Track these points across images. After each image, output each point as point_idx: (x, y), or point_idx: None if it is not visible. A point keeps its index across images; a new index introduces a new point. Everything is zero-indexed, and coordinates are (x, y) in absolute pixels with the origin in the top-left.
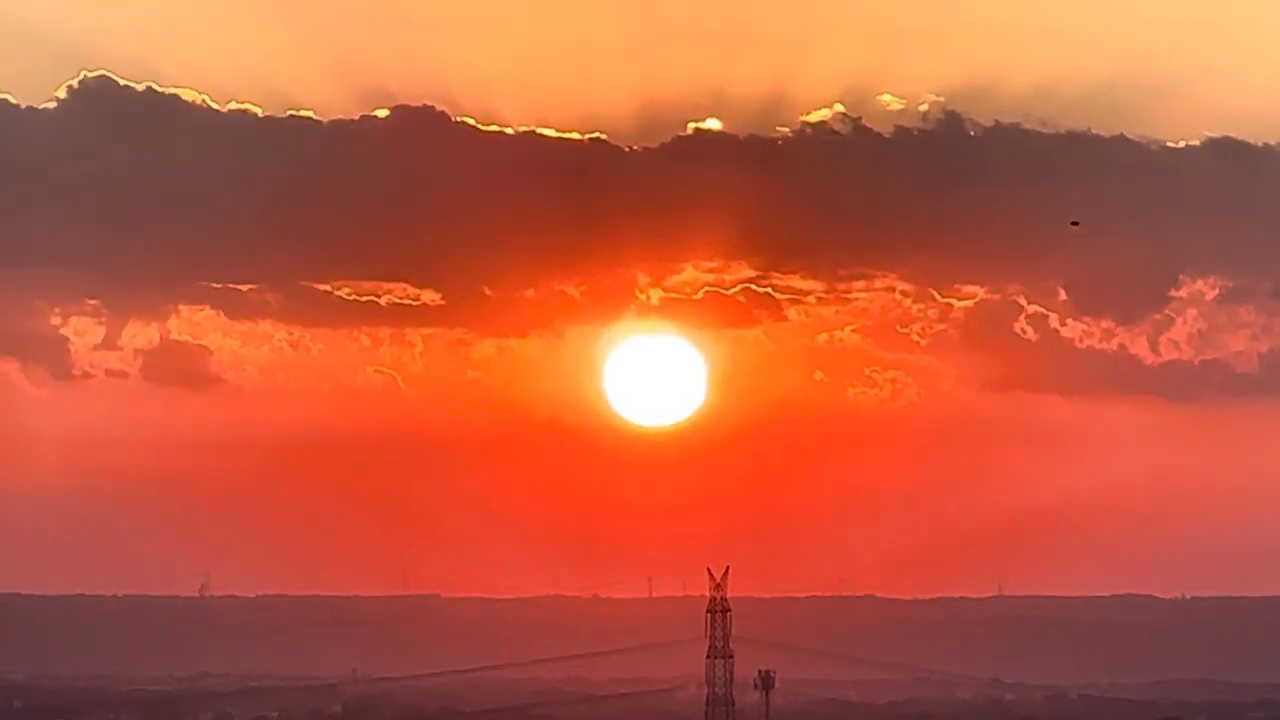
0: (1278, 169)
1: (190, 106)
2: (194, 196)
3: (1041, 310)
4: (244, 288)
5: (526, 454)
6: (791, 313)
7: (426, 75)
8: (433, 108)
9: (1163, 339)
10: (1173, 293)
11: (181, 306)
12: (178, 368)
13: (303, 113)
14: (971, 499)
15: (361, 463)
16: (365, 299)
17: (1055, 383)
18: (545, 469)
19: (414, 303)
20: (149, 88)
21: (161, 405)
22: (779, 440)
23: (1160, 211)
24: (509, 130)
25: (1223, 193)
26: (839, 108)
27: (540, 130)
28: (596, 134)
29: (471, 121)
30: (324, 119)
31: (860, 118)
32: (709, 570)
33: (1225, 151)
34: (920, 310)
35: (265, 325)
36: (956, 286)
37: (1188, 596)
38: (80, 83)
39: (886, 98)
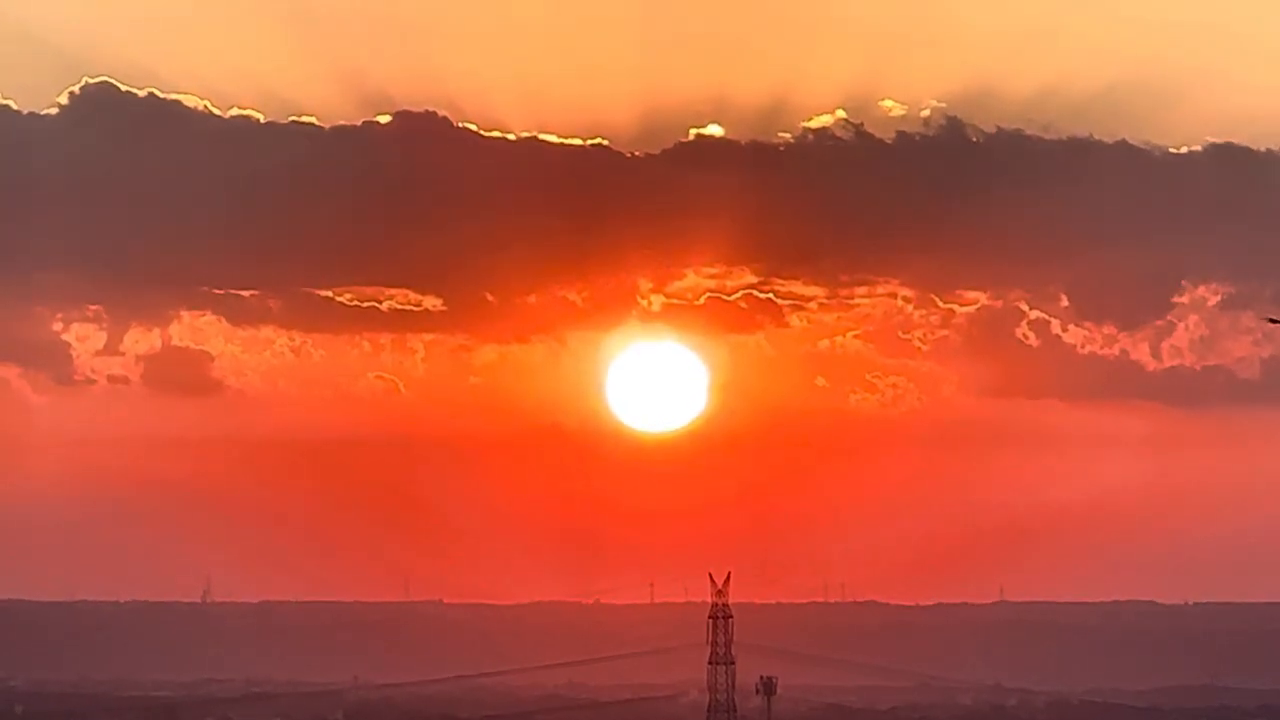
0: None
1: (192, 112)
2: (196, 202)
3: (1043, 316)
4: (245, 293)
5: (528, 460)
6: (793, 318)
7: (428, 81)
8: (435, 113)
9: (1164, 345)
10: (1174, 299)
11: (183, 312)
12: (179, 373)
13: (305, 118)
14: (973, 505)
15: (363, 468)
16: (367, 305)
17: (1057, 388)
18: (547, 475)
19: (416, 308)
20: (151, 94)
21: (163, 411)
22: (781, 446)
23: (1162, 217)
24: (511, 136)
25: (1225, 198)
26: (840, 114)
27: (542, 136)
28: (598, 140)
29: (473, 127)
30: (326, 125)
31: (862, 124)
32: (711, 576)
33: (1227, 157)
34: (922, 316)
35: (267, 331)
36: (958, 292)
37: (1189, 602)
38: (82, 89)
39: (888, 103)
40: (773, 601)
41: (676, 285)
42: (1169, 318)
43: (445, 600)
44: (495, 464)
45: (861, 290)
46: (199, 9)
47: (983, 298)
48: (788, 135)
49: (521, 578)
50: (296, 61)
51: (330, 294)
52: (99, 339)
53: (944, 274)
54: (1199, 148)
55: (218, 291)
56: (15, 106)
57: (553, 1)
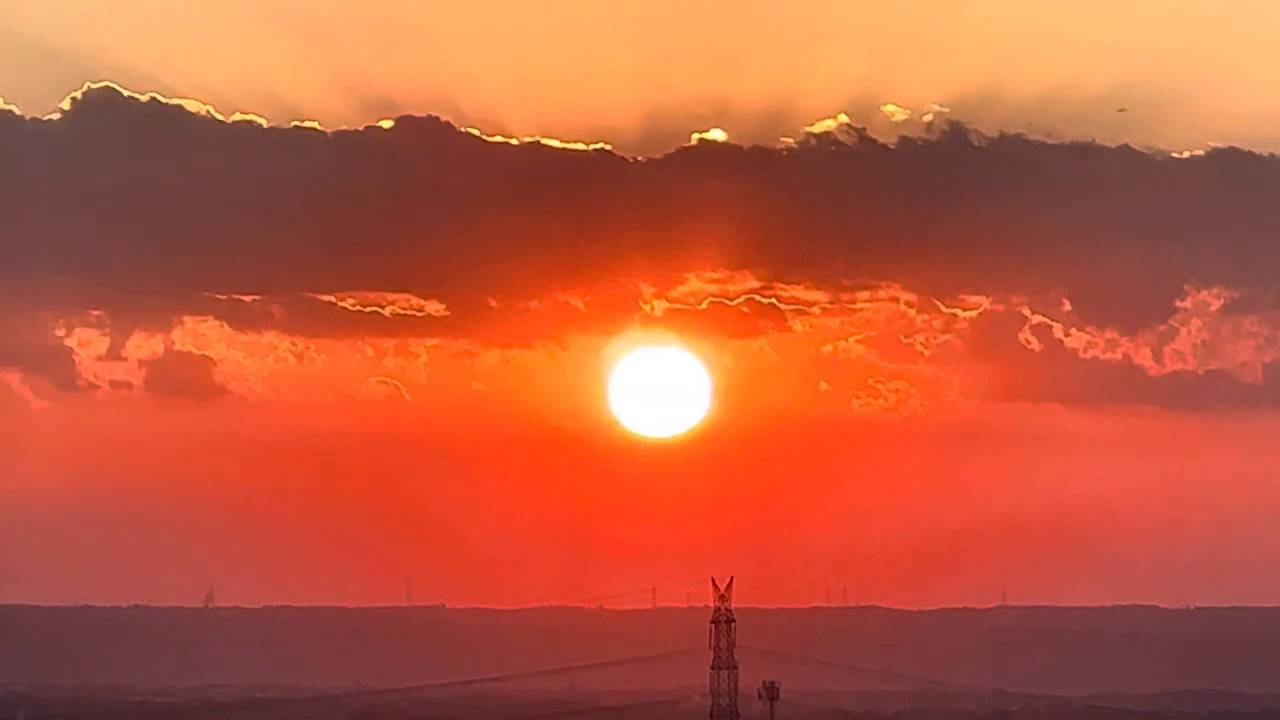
0: None
1: (194, 117)
2: (198, 207)
3: (1046, 321)
4: (248, 298)
5: (530, 465)
6: (796, 323)
7: (431, 86)
8: (437, 118)
9: (1167, 349)
10: (1177, 303)
11: (186, 317)
12: (182, 379)
13: (307, 123)
14: (975, 509)
15: (365, 474)
16: (369, 310)
17: (1059, 393)
18: (549, 480)
19: (418, 313)
20: (153, 99)
21: (166, 416)
22: (783, 451)
23: (1165, 222)
24: (513, 141)
25: (1228, 203)
26: (843, 118)
27: (545, 141)
28: (601, 145)
29: (476, 132)
30: (328, 130)
31: (864, 128)
32: (713, 581)
33: (1230, 162)
34: (924, 321)
35: (269, 336)
36: (961, 297)
37: (1191, 607)
38: (84, 94)
39: (890, 108)
40: (775, 606)
41: (679, 290)
42: (1171, 322)
43: (448, 605)
44: (497, 469)
45: (864, 295)
46: (201, 14)
47: (985, 302)
48: (790, 140)
49: (524, 583)
50: (299, 66)
51: (333, 299)
52: (101, 344)
53: (946, 278)
54: (1202, 152)
55: (220, 297)
56: (18, 111)
57: (555, 6)
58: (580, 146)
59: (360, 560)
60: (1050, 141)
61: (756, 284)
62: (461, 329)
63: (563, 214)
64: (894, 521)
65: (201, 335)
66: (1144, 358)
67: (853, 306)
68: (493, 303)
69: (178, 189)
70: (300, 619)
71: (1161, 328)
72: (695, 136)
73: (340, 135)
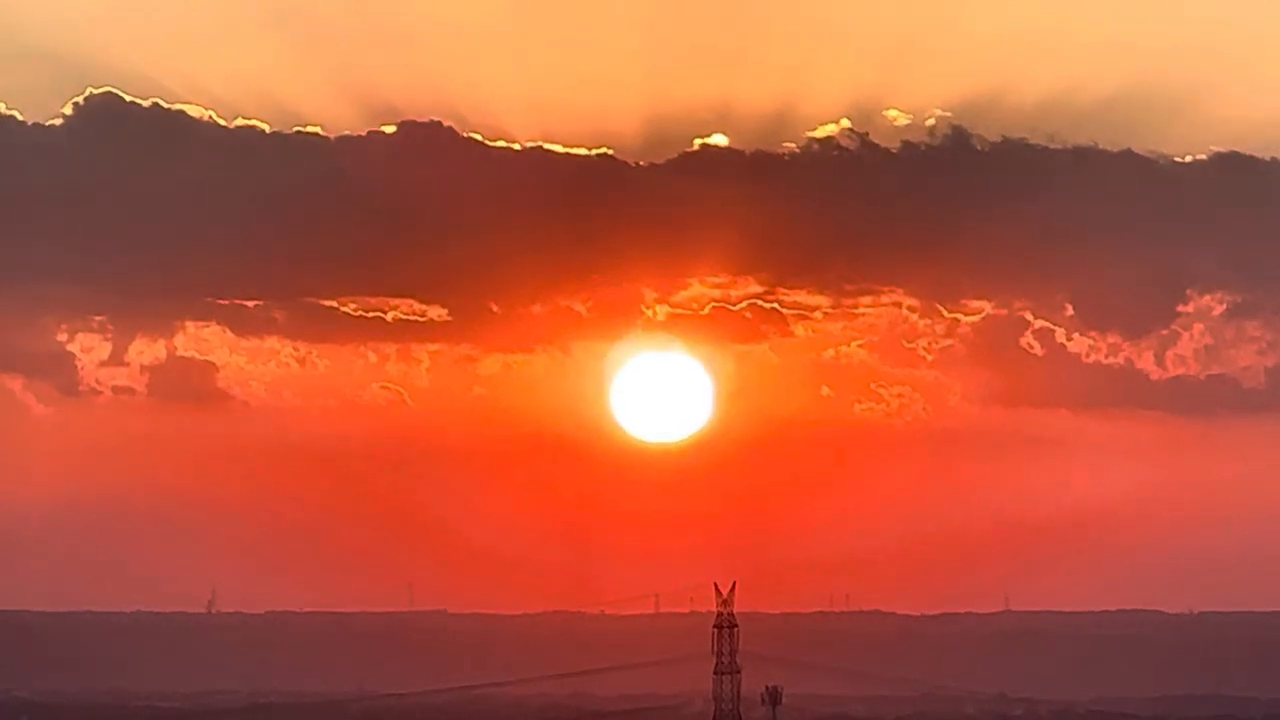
0: None
1: (197, 123)
2: (200, 213)
3: (1048, 325)
4: (250, 304)
5: (533, 470)
6: (798, 328)
7: (433, 91)
8: (440, 123)
9: (1169, 354)
10: (1180, 308)
11: (188, 323)
12: (184, 384)
13: (309, 128)
14: (978, 514)
15: (368, 479)
16: (371, 315)
17: (1062, 397)
18: (551, 485)
19: (420, 319)
20: (155, 104)
21: (168, 422)
22: (785, 456)
23: (1167, 226)
24: (516, 146)
25: (1230, 207)
26: (845, 123)
27: (547, 146)
28: (603, 149)
29: (478, 137)
30: (331, 135)
31: (867, 133)
32: (716, 586)
33: (1232, 166)
34: (927, 325)
35: (272, 341)
36: (963, 302)
37: (1194, 611)
38: (86, 99)
39: (893, 113)
40: (778, 611)
41: (681, 295)
42: (1174, 327)
43: (449, 610)
44: (500, 474)
45: (866, 299)
46: (203, 19)
47: (987, 307)
48: (793, 145)
49: (526, 588)
50: (301, 71)
51: (335, 304)
52: (104, 350)
53: (949, 283)
54: (1204, 156)
55: (222, 302)
56: (20, 117)
57: (557, 11)
58: (583, 151)
59: (362, 565)
60: (1052, 146)
61: (759, 289)
62: (463, 334)
63: (565, 219)
64: (896, 526)
65: (204, 340)
66: (1146, 362)
67: (855, 311)
68: (495, 308)
69: (180, 194)
70: (302, 624)
71: (1164, 332)
72: (697, 141)
73: (342, 140)
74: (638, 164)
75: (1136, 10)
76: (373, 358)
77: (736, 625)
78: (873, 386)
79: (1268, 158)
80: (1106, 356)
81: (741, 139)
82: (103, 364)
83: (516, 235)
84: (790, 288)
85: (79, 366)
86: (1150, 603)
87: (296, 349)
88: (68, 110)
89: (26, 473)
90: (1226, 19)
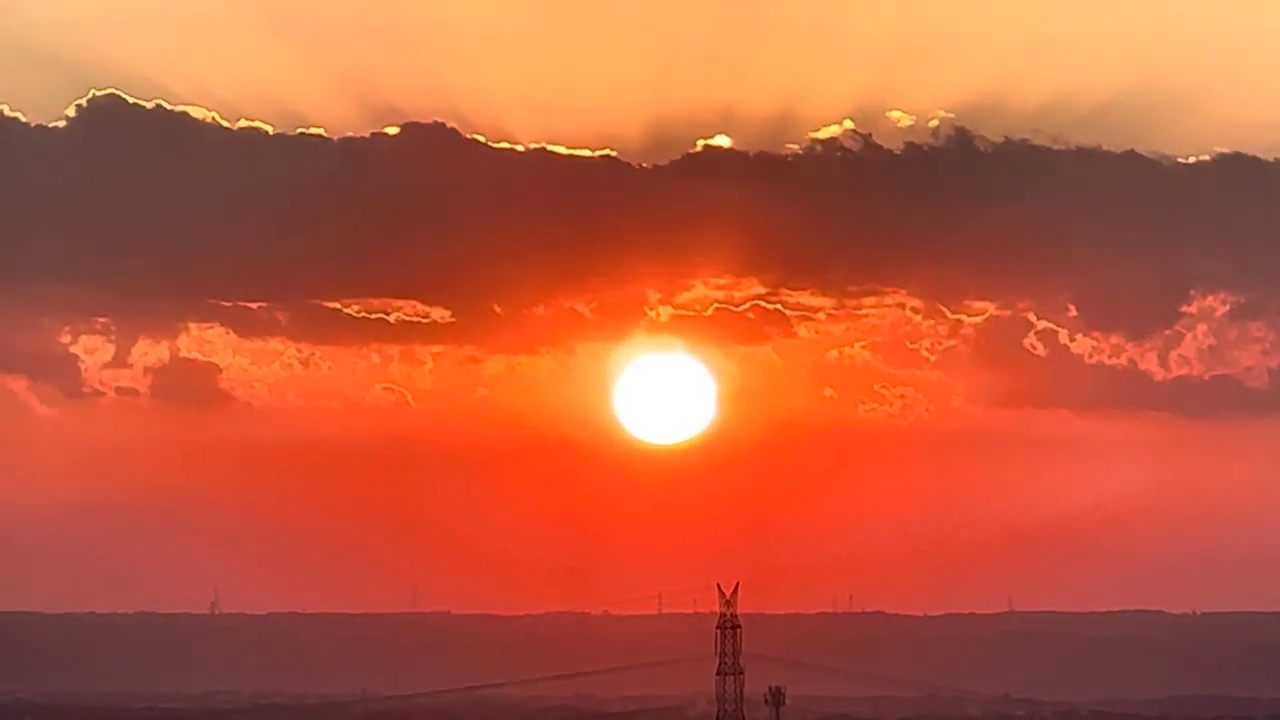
0: None
1: (200, 124)
2: (203, 214)
3: (1051, 326)
4: (253, 305)
5: (536, 471)
6: (801, 329)
7: (437, 92)
8: (443, 125)
9: (1173, 355)
10: (1183, 308)
11: (191, 324)
12: (188, 385)
13: (313, 130)
14: (981, 515)
15: (371, 480)
16: (375, 316)
17: (1065, 398)
18: (555, 486)
19: (423, 320)
20: (158, 105)
21: (171, 423)
22: (788, 457)
23: (1170, 227)
24: (519, 147)
25: (1233, 208)
26: (848, 124)
27: (550, 147)
28: (607, 151)
29: (482, 138)
30: (334, 136)
31: (870, 134)
32: (719, 586)
33: (1236, 167)
34: (930, 326)
35: (275, 343)
36: (966, 303)
37: (1197, 612)
38: (89, 101)
39: (896, 114)
40: (781, 612)
41: (684, 296)
42: (1177, 327)
43: (453, 611)
44: (503, 475)
45: (869, 301)
46: (206, 21)
47: (991, 308)
48: (795, 146)
49: (529, 589)
50: (304, 73)
51: (338, 305)
52: (107, 351)
53: (952, 284)
54: (1207, 157)
55: (225, 303)
56: (23, 119)
57: (561, 12)
58: (586, 153)
59: (365, 566)
60: (1056, 147)
61: (762, 290)
62: (467, 335)
63: (568, 220)
64: (900, 527)
65: (207, 342)
66: (1149, 363)
67: (858, 312)
68: (498, 309)
69: (183, 196)
70: (306, 625)
71: (1167, 333)
72: (701, 143)
73: (346, 142)
74: (641, 165)
75: (1139, 12)
76: (376, 359)
77: (739, 626)
78: (876, 387)
79: (1271, 158)
80: (1109, 357)
81: (745, 140)
82: (106, 365)
83: (520, 236)
84: (793, 289)
85: (82, 368)
86: (1153, 603)
87: (300, 350)
88: (71, 112)
89: (29, 474)
90: (1229, 20)
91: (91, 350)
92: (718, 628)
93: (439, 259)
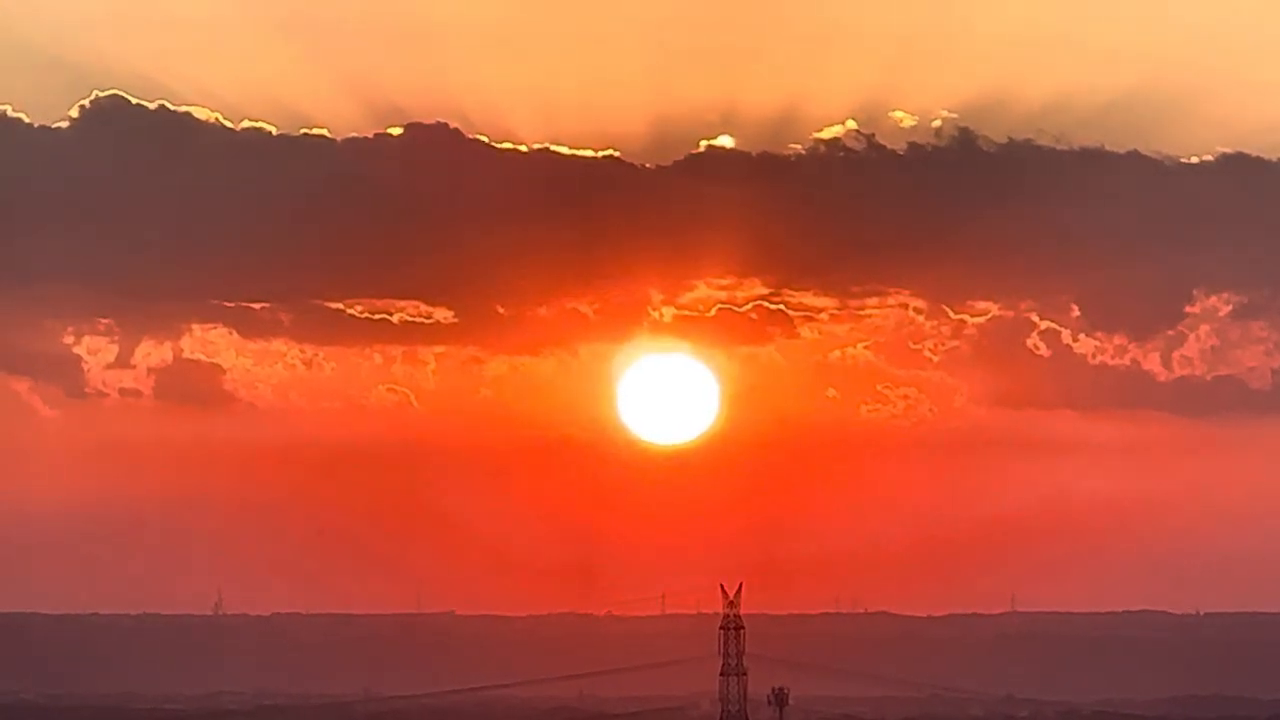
0: None
1: (203, 125)
2: (207, 215)
3: (1054, 326)
4: (257, 306)
5: (539, 472)
6: (804, 330)
7: (440, 92)
8: (446, 125)
9: (1176, 355)
10: (1186, 309)
11: (194, 325)
12: (191, 386)
13: (316, 131)
14: (984, 515)
15: (374, 481)
16: (378, 317)
17: (1068, 399)
18: (558, 487)
19: (426, 321)
20: (161, 106)
21: (174, 424)
22: (792, 457)
23: (1174, 227)
24: (522, 148)
25: (1237, 208)
26: (851, 124)
27: (553, 147)
28: (609, 151)
29: (485, 139)
30: (337, 137)
31: (873, 134)
32: (722, 587)
33: (1239, 167)
34: (933, 327)
35: (278, 344)
36: (969, 303)
37: (1200, 612)
38: (92, 102)
39: (899, 114)
40: (785, 612)
41: (687, 297)
42: (1180, 328)
43: (457, 612)
44: (506, 476)
45: (872, 301)
46: (209, 21)
47: (993, 308)
48: (798, 146)
49: (533, 589)
50: (308, 73)
51: (341, 306)
52: (110, 352)
53: (955, 285)
54: (1211, 158)
55: (229, 304)
56: (26, 119)
57: (564, 13)
58: (589, 153)
59: (369, 567)
60: (1059, 147)
61: (765, 290)
62: (470, 336)
63: (571, 221)
64: (903, 527)
65: (210, 343)
66: (1153, 363)
67: (861, 313)
68: (501, 310)
69: (186, 196)
70: (309, 626)
71: (1170, 333)
72: (704, 143)
73: (349, 142)
74: (644, 165)
75: (1143, 12)
76: (379, 360)
77: (743, 627)
78: (879, 388)
79: (1274, 159)
80: (1112, 358)
81: (747, 140)
82: (109, 366)
83: (523, 237)
84: (796, 289)
85: (85, 369)
86: (1156, 604)
87: (303, 351)
88: (74, 112)
89: (33, 475)
90: (1233, 21)
91: (95, 351)
92: (721, 628)
93: (442, 260)
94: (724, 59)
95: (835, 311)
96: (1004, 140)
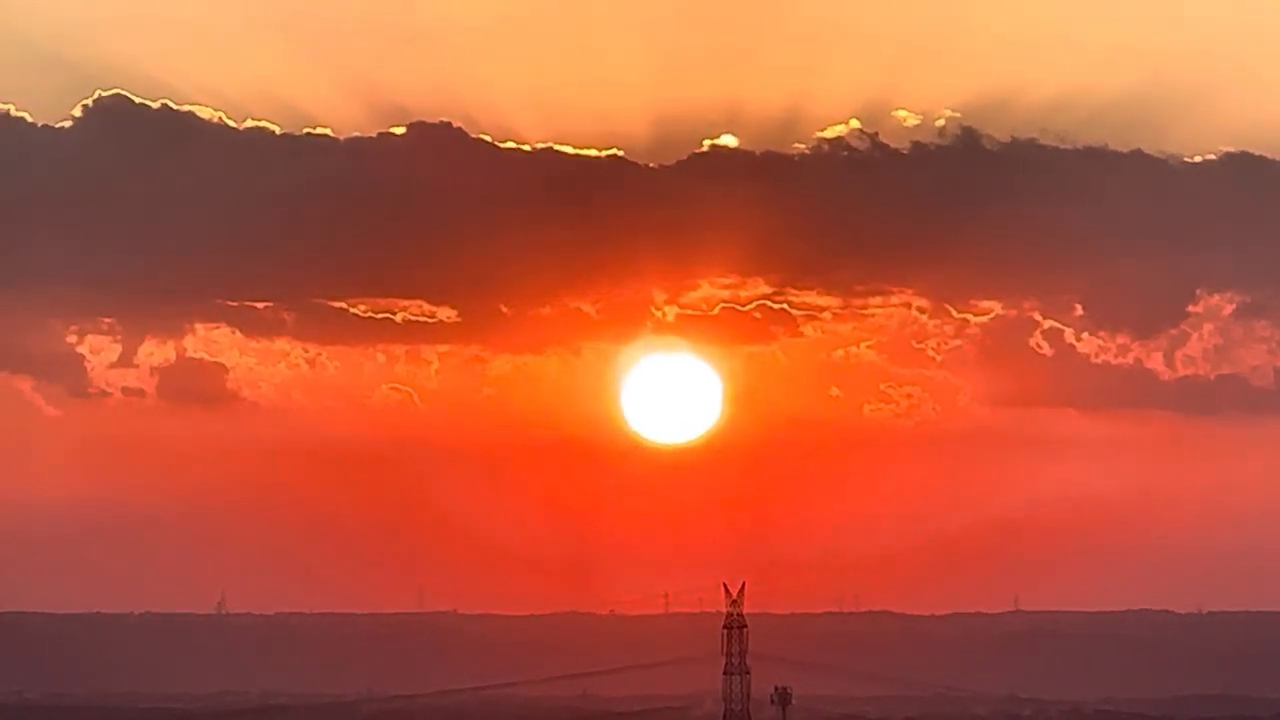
0: None
1: (206, 124)
2: (209, 214)
3: (1057, 325)
4: (260, 305)
5: (542, 471)
6: (807, 329)
7: (443, 92)
8: (450, 124)
9: (1179, 354)
10: (1189, 308)
11: (197, 324)
12: (194, 385)
13: (319, 130)
14: (987, 514)
15: (377, 480)
16: (381, 316)
17: (1071, 398)
18: (561, 486)
19: (430, 320)
20: (164, 105)
21: (177, 423)
22: (794, 456)
23: (1177, 226)
24: (526, 147)
25: (1240, 208)
26: (855, 124)
27: (557, 147)
28: (613, 151)
29: (488, 138)
30: (341, 136)
31: (876, 133)
32: (725, 586)
33: (1242, 166)
34: (936, 326)
35: (281, 343)
36: (972, 302)
37: (1203, 611)
38: (95, 101)
39: (902, 113)
40: (788, 611)
41: (691, 296)
42: (1183, 327)
43: (459, 611)
44: (509, 475)
45: (876, 300)
46: (212, 21)
47: (997, 307)
48: (802, 145)
49: (536, 588)
50: (311, 73)
51: (344, 305)
52: (113, 351)
53: (958, 284)
54: (1214, 157)
55: (232, 304)
56: (29, 119)
57: (567, 12)
58: (592, 153)
59: (372, 566)
60: (1062, 146)
61: (768, 289)
62: (473, 335)
63: (575, 220)
64: (906, 526)
65: (213, 342)
66: (1156, 362)
67: (864, 312)
68: (504, 309)
69: (189, 196)
70: (312, 625)
71: (1173, 332)
72: (707, 142)
73: (352, 142)
74: (647, 165)
75: (1146, 11)
76: (382, 359)
77: (746, 626)
78: (882, 387)
79: (1278, 158)
80: (1116, 356)
81: (751, 140)
82: (112, 365)
83: (526, 237)
84: (799, 288)
85: (88, 368)
86: (1160, 603)
87: (306, 350)
88: (77, 112)
89: (36, 474)
90: (1237, 19)
91: (98, 350)
92: (724, 627)
93: (445, 259)
94: (728, 58)
95: (838, 311)
96: (1007, 139)
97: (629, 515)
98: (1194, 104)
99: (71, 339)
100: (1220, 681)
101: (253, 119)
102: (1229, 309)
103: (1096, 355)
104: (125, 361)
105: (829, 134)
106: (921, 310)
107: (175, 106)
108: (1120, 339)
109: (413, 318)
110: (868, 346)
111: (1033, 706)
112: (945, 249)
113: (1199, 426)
